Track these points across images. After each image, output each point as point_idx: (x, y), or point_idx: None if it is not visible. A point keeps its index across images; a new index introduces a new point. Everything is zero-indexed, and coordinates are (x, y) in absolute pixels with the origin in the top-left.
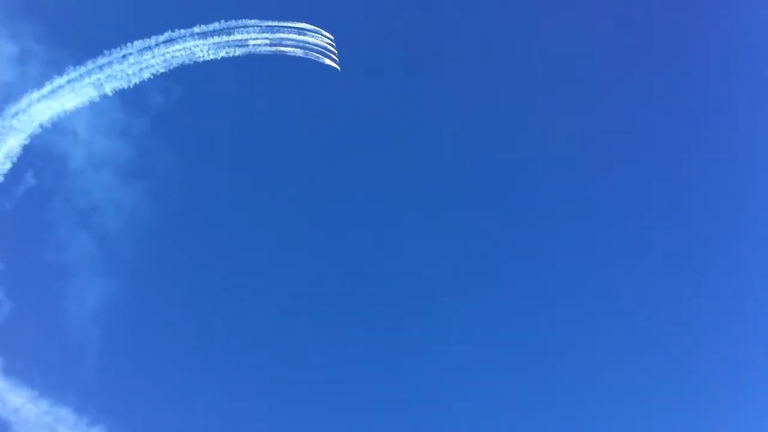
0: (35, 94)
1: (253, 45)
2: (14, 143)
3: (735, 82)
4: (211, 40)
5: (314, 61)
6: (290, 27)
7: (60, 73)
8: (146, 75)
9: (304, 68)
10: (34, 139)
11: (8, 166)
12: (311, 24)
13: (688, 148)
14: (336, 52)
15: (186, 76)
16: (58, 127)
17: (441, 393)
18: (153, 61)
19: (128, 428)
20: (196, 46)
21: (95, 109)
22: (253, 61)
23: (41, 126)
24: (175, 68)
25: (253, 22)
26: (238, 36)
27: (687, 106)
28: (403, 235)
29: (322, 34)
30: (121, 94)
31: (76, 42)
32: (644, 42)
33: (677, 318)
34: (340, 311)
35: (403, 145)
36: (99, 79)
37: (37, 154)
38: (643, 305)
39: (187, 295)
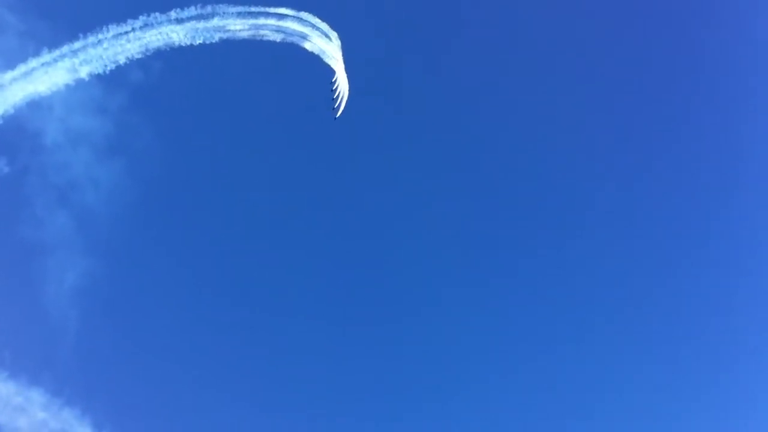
0: (8, 75)
1: (232, 30)
2: None
3: (735, 82)
4: (188, 25)
5: (296, 46)
6: (270, 12)
7: (35, 55)
8: (122, 60)
9: (284, 53)
10: (7, 118)
11: None
12: (293, 9)
13: (688, 147)
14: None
15: (164, 56)
16: (33, 105)
17: (441, 389)
18: (129, 46)
19: (103, 411)
20: (172, 32)
21: (70, 88)
22: (231, 45)
23: (14, 106)
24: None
25: (231, 8)
26: (215, 22)
27: (687, 107)
28: (403, 234)
29: (307, 21)
30: (97, 76)
31: (50, 26)
32: (644, 42)
33: (677, 317)
34: (326, 288)
35: (390, 129)
36: (74, 63)
37: (12, 131)
38: (643, 305)
39: (167, 274)
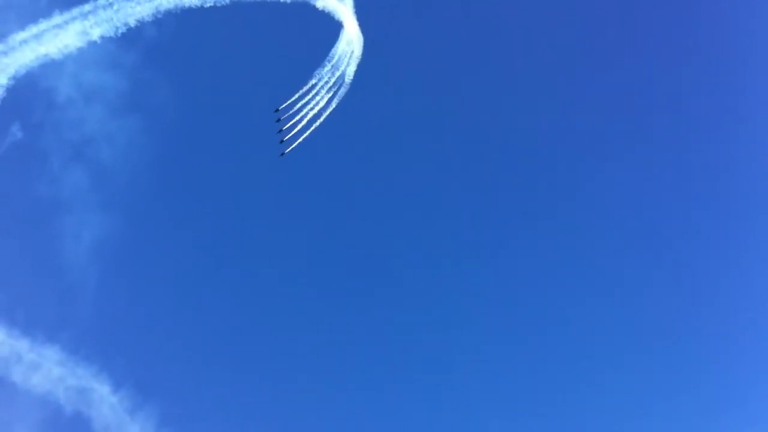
0: (19, 36)
1: None
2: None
3: (735, 82)
4: None
5: (308, 5)
6: None
7: (46, 17)
8: (133, 22)
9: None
10: (19, 78)
11: None
12: None
13: (688, 147)
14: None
15: (177, 17)
16: (45, 66)
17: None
18: (139, 9)
19: (122, 368)
20: None
21: (83, 50)
22: (243, 4)
23: (26, 67)
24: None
25: None
26: None
27: (687, 107)
28: (403, 232)
29: None
30: (108, 39)
31: None
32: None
33: (676, 318)
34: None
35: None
36: (85, 25)
37: (24, 89)
38: (643, 305)
39: (183, 230)
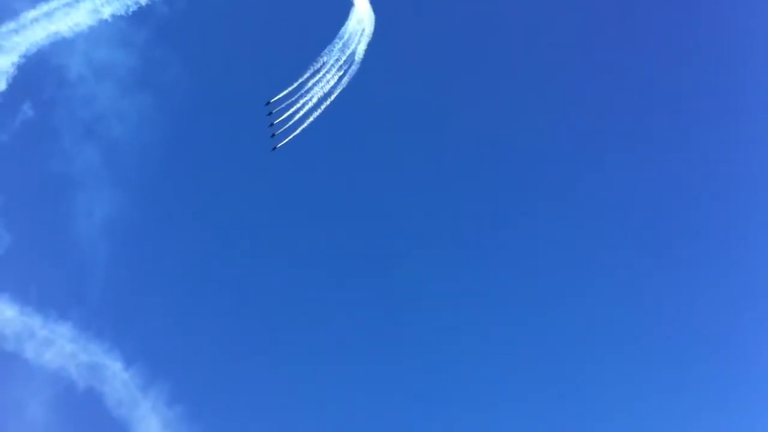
0: (30, 14)
1: None
2: (10, 59)
3: (735, 82)
4: None
5: None
6: None
7: None
8: (143, 1)
9: None
10: (30, 57)
11: (5, 81)
12: None
13: (688, 147)
14: None
15: None
16: (56, 44)
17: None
18: None
19: (134, 345)
20: None
21: (94, 29)
22: None
23: (37, 45)
24: None
25: None
26: None
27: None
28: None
29: None
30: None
31: None
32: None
33: (675, 317)
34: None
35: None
36: (96, 4)
37: (35, 66)
38: (644, 305)
39: (196, 207)
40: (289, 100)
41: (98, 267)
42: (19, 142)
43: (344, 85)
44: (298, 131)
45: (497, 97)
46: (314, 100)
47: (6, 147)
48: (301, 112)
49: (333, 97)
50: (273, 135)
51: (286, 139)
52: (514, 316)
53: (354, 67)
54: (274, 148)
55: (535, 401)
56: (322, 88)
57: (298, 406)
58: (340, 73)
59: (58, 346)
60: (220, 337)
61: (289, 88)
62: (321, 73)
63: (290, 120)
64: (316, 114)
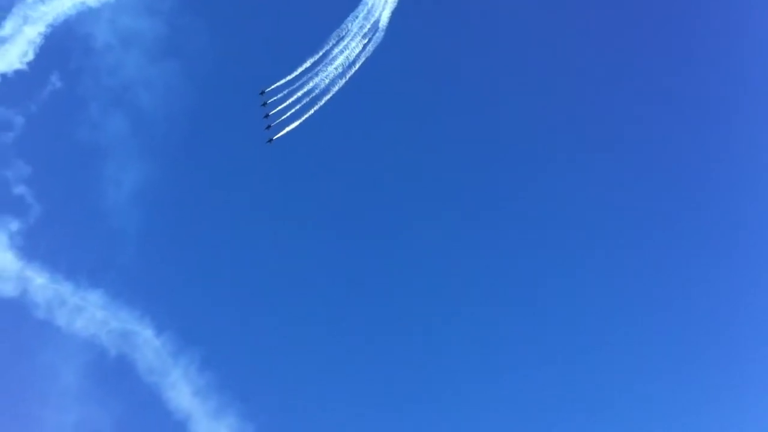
0: None
1: None
2: (37, 29)
3: (735, 82)
4: None
5: None
6: None
7: None
8: None
9: None
10: (57, 26)
11: (32, 51)
12: None
13: (688, 148)
14: None
15: None
16: (82, 10)
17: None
18: None
19: (165, 313)
20: None
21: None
22: None
23: (64, 14)
24: None
25: None
26: None
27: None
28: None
29: None
30: None
31: None
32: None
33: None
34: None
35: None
36: None
37: (62, 36)
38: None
39: (224, 174)
40: (314, 71)
41: (128, 235)
42: (47, 113)
43: (369, 53)
44: (322, 102)
45: (530, 71)
46: (339, 69)
47: (35, 118)
48: (326, 81)
49: (358, 65)
50: (268, 127)
51: (313, 109)
52: (515, 317)
53: (379, 34)
54: (270, 140)
55: (533, 398)
56: (347, 56)
57: (327, 373)
58: (365, 41)
59: (90, 314)
60: (250, 304)
61: (312, 59)
62: (345, 41)
63: (313, 92)
64: (341, 84)
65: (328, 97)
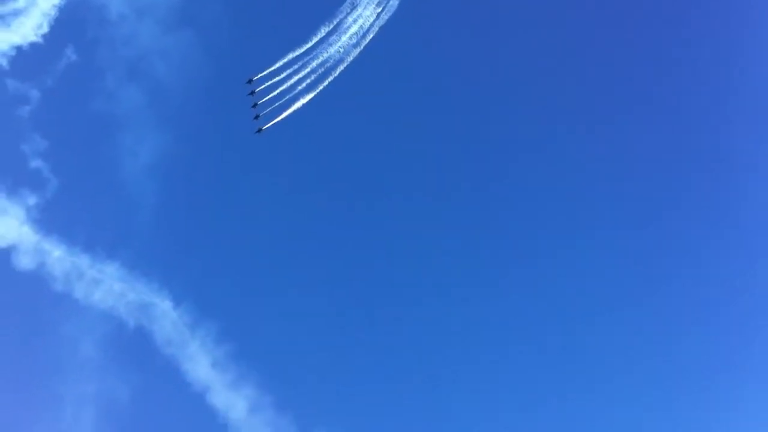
0: None
1: None
2: (51, 1)
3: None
4: None
5: None
6: None
7: None
8: None
9: None
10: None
11: (47, 23)
12: None
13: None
14: None
15: None
16: None
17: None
18: None
19: (182, 285)
20: None
21: None
22: None
23: None
24: None
25: None
26: None
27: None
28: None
29: None
30: None
31: None
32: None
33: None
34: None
35: None
36: None
37: (75, 7)
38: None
39: (240, 145)
40: (328, 40)
41: (145, 207)
42: (63, 86)
43: (383, 23)
44: (336, 73)
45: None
46: (353, 39)
47: (51, 92)
48: (342, 50)
49: (372, 35)
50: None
51: (333, 75)
52: (515, 316)
53: (393, 2)
54: (259, 130)
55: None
56: (361, 25)
57: (345, 344)
58: (379, 10)
59: (107, 286)
60: (267, 275)
61: (326, 28)
62: (359, 10)
63: (328, 62)
64: (357, 51)
65: (342, 67)
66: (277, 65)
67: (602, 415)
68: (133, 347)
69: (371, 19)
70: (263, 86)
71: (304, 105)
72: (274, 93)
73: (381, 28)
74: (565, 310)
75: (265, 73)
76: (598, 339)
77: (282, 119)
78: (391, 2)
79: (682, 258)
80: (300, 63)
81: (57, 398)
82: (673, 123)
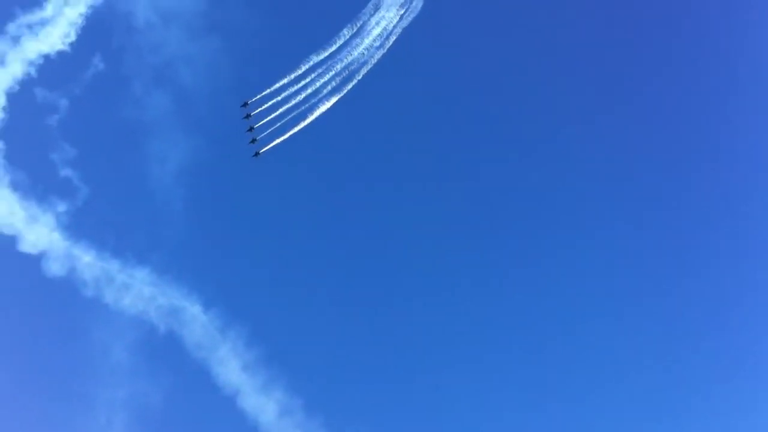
0: None
1: None
2: (78, 10)
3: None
4: None
5: None
6: None
7: None
8: None
9: None
10: (97, 7)
11: (74, 32)
12: None
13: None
14: None
15: None
16: None
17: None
18: None
19: (212, 289)
20: None
21: None
22: None
23: None
24: None
25: None
26: None
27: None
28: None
29: None
30: None
31: None
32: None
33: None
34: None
35: None
36: None
37: (102, 16)
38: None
39: (267, 150)
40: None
41: (174, 212)
42: (91, 94)
43: (406, 24)
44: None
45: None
46: (376, 42)
47: (79, 100)
48: (365, 53)
49: (395, 36)
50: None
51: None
52: (516, 316)
53: (417, 3)
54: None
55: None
56: (384, 27)
57: (374, 347)
58: (402, 12)
59: (137, 291)
60: (297, 278)
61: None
62: (381, 12)
63: (352, 65)
64: (382, 53)
65: (366, 69)
66: (302, 69)
67: (602, 414)
68: (164, 351)
69: (395, 21)
70: (288, 92)
71: (329, 108)
72: (300, 98)
73: (404, 29)
74: (569, 310)
75: (290, 78)
76: (598, 339)
77: (307, 124)
78: (414, 3)
79: (683, 258)
80: (324, 66)
81: (90, 403)
82: (674, 123)
